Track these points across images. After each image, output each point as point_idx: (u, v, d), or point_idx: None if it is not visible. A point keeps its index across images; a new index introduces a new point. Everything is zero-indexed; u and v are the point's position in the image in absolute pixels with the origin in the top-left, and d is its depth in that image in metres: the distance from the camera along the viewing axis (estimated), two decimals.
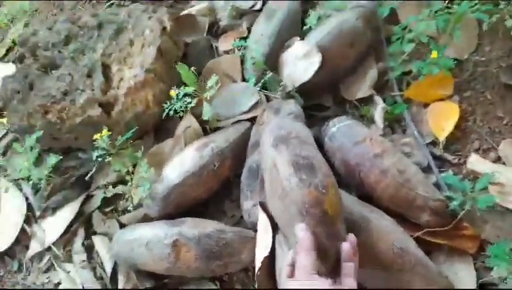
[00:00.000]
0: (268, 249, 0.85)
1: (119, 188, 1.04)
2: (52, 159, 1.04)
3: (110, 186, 1.04)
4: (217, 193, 1.02)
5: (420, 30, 0.99)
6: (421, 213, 0.85)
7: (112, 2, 1.44)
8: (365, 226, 0.79)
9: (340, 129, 0.94)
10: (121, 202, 1.07)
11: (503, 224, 0.85)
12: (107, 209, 1.07)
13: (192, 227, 0.89)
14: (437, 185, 0.90)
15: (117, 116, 1.03)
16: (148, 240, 0.89)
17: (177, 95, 1.03)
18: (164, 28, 1.09)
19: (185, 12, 1.28)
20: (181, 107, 1.02)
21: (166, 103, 1.04)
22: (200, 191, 0.98)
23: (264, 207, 0.89)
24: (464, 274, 0.82)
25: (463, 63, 1.05)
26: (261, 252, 0.87)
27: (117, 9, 1.25)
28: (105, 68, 1.08)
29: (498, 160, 0.93)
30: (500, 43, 1.04)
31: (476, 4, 0.95)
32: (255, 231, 0.89)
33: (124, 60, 1.08)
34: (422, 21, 0.99)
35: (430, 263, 0.80)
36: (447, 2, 1.01)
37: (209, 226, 0.90)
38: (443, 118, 0.97)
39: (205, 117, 1.01)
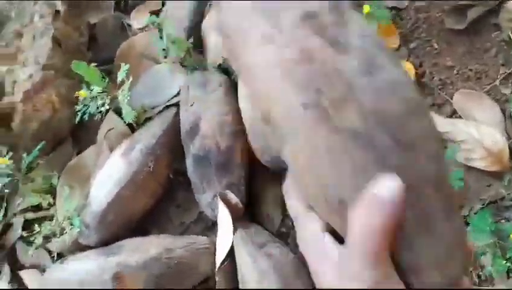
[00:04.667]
0: (229, 247, 0.72)
1: (41, 213, 0.84)
2: None
3: (29, 212, 0.83)
4: (160, 198, 0.84)
5: None
6: None
7: None
8: None
9: None
10: (48, 226, 0.86)
11: (470, 184, 0.75)
12: (32, 238, 0.86)
13: (132, 252, 0.71)
14: None
15: (19, 129, 0.80)
16: (82, 279, 0.70)
17: (89, 94, 0.81)
18: (57, 12, 0.84)
19: None
20: (97, 108, 0.81)
21: (77, 104, 0.82)
22: (140, 203, 0.79)
23: (224, 198, 0.74)
24: None
25: (404, 11, 0.91)
26: (222, 251, 0.73)
27: None
28: None
29: (454, 113, 0.82)
30: None
31: None
32: None
33: (14, 58, 0.83)
34: None
35: None
36: None
37: (152, 245, 0.73)
38: None
39: (126, 119, 0.81)
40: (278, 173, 0.82)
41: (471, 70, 0.84)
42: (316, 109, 0.28)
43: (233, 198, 0.76)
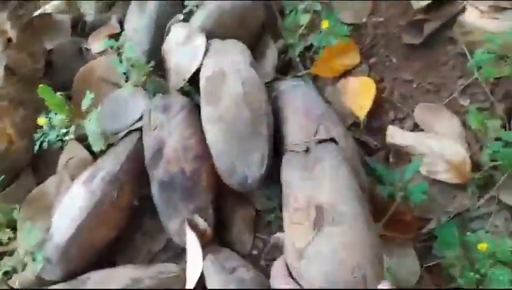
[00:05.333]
0: (198, 274, 0.69)
1: (0, 248, 0.79)
2: None
3: None
4: (126, 227, 0.81)
5: None
6: None
7: None
8: None
9: None
10: (8, 262, 0.81)
11: (435, 197, 0.76)
12: None
13: (98, 285, 0.68)
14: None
15: None
16: None
17: (48, 121, 0.78)
18: (9, 40, 0.81)
19: (38, 12, 0.98)
20: (57, 136, 0.78)
21: (36, 132, 0.78)
22: (104, 233, 0.75)
23: (192, 224, 0.72)
24: (406, 262, 0.72)
25: (362, 27, 0.92)
26: (192, 278, 0.70)
27: None
28: None
29: (415, 127, 0.83)
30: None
31: None
32: None
33: None
34: None
35: None
36: None
37: (119, 277, 0.69)
38: (360, 95, 0.83)
39: (95, 148, 0.78)
40: (245, 194, 0.81)
41: (430, 83, 0.86)
42: None
43: (202, 223, 0.74)
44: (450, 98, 0.83)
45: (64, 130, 0.77)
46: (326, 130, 0.71)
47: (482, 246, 0.65)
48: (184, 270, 0.74)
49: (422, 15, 0.88)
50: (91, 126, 0.76)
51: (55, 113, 0.77)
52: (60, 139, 0.78)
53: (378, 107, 0.85)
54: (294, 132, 0.73)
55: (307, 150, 0.69)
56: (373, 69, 0.89)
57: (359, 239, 0.57)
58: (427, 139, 0.79)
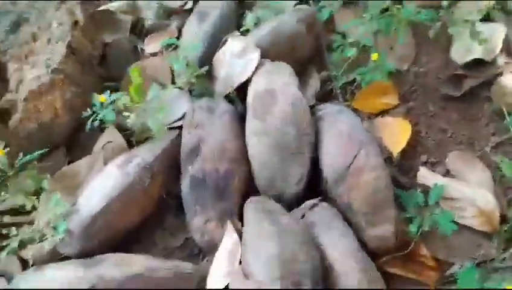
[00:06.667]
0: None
1: (20, 218, 0.78)
2: None
3: (7, 215, 0.77)
4: (149, 218, 0.80)
5: (361, 33, 0.88)
6: None
7: None
8: None
9: None
10: (21, 233, 0.79)
11: (460, 242, 0.75)
12: (5, 243, 0.79)
13: (114, 266, 0.66)
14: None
15: (16, 127, 0.77)
16: (57, 288, 0.63)
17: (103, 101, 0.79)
18: (76, 22, 0.84)
19: (103, 7, 1.04)
20: (112, 116, 0.78)
21: (86, 111, 0.79)
22: (130, 216, 0.75)
23: (236, 226, 0.71)
24: None
25: (403, 74, 0.95)
26: (218, 281, 0.67)
27: None
28: (0, 67, 0.80)
29: (447, 173, 0.84)
30: (436, 54, 0.96)
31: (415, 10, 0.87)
32: (209, 252, 0.72)
33: (24, 58, 0.81)
34: (363, 24, 0.88)
35: None
36: (384, 6, 0.91)
37: (136, 263, 0.68)
38: (396, 135, 0.85)
39: (157, 133, 0.79)
40: None
41: (463, 135, 0.87)
42: None
43: (240, 227, 0.73)
44: (481, 151, 0.84)
45: (127, 114, 0.78)
46: (366, 155, 0.71)
47: None
48: (198, 271, 0.72)
49: (463, 71, 0.91)
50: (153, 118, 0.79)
51: (110, 95, 0.79)
52: (110, 120, 0.79)
53: (412, 148, 0.86)
54: (335, 152, 0.74)
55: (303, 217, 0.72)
56: (410, 112, 0.90)
57: None
58: (459, 185, 0.79)
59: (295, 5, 1.01)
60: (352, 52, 0.90)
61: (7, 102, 0.77)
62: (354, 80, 0.92)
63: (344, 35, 0.94)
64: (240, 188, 0.76)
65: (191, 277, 0.71)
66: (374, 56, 0.84)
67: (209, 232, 0.72)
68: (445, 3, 0.95)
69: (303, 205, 0.73)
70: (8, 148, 0.74)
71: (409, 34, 0.97)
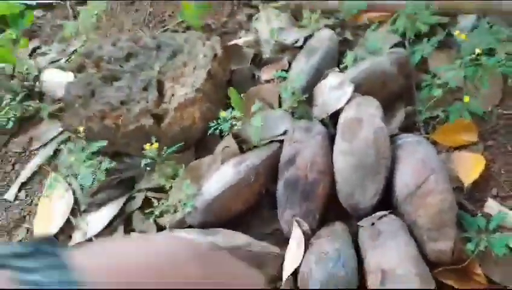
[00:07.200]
0: (296, 266, 0.85)
1: (160, 195, 1.06)
2: (106, 164, 1.05)
3: (152, 191, 1.07)
4: (250, 208, 1.02)
5: (449, 76, 0.99)
6: None
7: (166, 28, 1.50)
8: None
9: None
10: (160, 205, 1.08)
11: None
12: (147, 211, 1.08)
13: (223, 238, 0.90)
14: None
15: (166, 128, 1.06)
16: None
17: (224, 116, 1.04)
18: (215, 55, 1.12)
19: (233, 42, 1.32)
20: (228, 127, 1.03)
21: (213, 122, 1.05)
22: (237, 204, 0.98)
23: (300, 224, 0.90)
24: None
25: (486, 114, 1.04)
26: (290, 265, 0.87)
27: (173, 34, 1.29)
28: (160, 84, 1.11)
29: None
30: None
31: (503, 60, 0.96)
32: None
33: (177, 79, 1.11)
34: (452, 70, 1.00)
35: None
36: (475, 54, 1.01)
37: (238, 239, 0.90)
38: (469, 167, 0.95)
39: (255, 140, 1.03)
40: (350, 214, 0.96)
41: None
42: None
43: (305, 226, 0.91)
44: None
45: (235, 122, 1.02)
46: (435, 181, 0.84)
47: None
48: (282, 256, 0.91)
49: None
50: (255, 128, 1.02)
51: (231, 111, 1.04)
52: (227, 130, 1.04)
53: (484, 181, 0.95)
54: (408, 174, 0.88)
55: (373, 224, 0.87)
56: (487, 150, 0.99)
57: None
58: None
59: (391, 47, 1.17)
60: (439, 92, 1.02)
61: (162, 110, 1.06)
62: (437, 116, 1.04)
63: (434, 75, 1.07)
64: (323, 195, 0.94)
65: (278, 258, 0.90)
66: (466, 98, 0.95)
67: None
68: None
69: (374, 215, 0.89)
70: (159, 143, 1.02)
71: (498, 78, 1.06)
